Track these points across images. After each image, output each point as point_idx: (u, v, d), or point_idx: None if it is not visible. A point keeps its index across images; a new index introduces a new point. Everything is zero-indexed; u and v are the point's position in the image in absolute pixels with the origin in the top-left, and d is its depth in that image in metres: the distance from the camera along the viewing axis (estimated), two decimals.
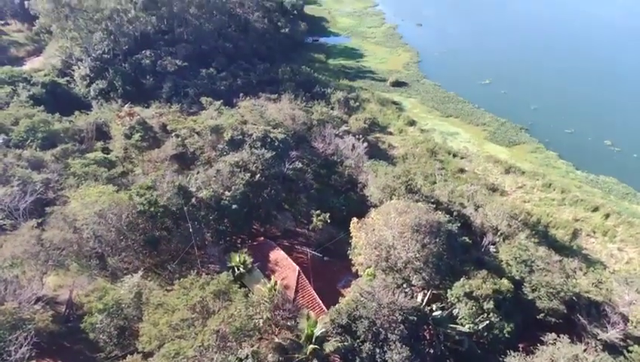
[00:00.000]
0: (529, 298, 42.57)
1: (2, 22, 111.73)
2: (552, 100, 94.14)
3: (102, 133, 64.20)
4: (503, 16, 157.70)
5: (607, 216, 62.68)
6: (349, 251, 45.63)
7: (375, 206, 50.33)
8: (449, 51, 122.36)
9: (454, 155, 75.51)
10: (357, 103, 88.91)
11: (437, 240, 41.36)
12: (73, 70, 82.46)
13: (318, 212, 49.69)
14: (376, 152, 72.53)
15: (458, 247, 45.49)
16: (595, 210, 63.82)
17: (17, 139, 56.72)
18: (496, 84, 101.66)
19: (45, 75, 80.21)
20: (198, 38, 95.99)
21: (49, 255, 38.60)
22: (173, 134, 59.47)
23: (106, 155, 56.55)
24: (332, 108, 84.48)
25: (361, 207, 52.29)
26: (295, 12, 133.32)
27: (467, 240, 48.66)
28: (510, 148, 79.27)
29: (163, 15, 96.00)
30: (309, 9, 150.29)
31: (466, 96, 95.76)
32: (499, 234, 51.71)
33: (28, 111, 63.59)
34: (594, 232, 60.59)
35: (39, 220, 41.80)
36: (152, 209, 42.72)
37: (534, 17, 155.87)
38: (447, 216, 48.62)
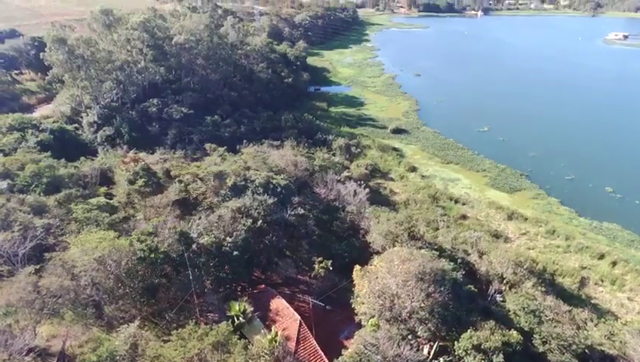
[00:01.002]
0: (540, 351, 40.81)
1: (17, 71, 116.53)
2: (550, 147, 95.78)
3: (106, 178, 64.70)
4: (500, 67, 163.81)
5: (614, 263, 61.54)
6: (351, 300, 44.43)
7: (378, 252, 49.62)
8: (447, 100, 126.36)
9: (456, 201, 75.66)
10: (358, 150, 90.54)
11: (442, 288, 40.32)
12: (82, 117, 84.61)
13: (320, 259, 48.91)
14: (378, 198, 72.66)
15: (464, 296, 44.26)
16: (602, 257, 62.78)
17: (22, 184, 57.05)
18: (495, 132, 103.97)
19: (54, 122, 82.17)
20: (204, 87, 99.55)
21: (44, 303, 37.37)
22: (176, 180, 59.98)
23: (108, 200, 56.51)
24: (334, 155, 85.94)
25: (364, 254, 51.56)
26: (298, 63, 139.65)
27: (472, 288, 47.44)
28: (511, 194, 79.47)
29: (171, 65, 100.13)
30: (311, 60, 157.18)
31: (466, 143, 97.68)
32: (505, 282, 50.56)
33: (34, 156, 64.57)
34: (602, 281, 59.12)
35: (37, 266, 40.99)
36: (153, 255, 42.05)
37: (530, 66, 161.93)
38: (452, 263, 47.76)
